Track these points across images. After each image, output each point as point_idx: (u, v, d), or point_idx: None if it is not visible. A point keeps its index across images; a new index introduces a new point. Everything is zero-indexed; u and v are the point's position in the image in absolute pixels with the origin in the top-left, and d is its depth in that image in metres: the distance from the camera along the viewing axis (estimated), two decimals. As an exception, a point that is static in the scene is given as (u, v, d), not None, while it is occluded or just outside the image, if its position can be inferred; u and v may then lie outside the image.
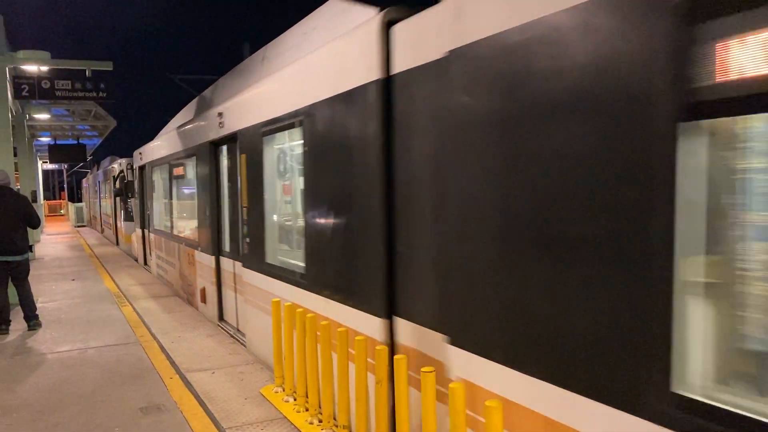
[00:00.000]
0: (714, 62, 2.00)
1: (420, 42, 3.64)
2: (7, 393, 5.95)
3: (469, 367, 3.21)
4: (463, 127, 3.20)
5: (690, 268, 2.18)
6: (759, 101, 1.88)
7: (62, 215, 48.24)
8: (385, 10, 4.07)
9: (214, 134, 8.09)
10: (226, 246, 8.18)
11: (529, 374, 2.79)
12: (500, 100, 2.92)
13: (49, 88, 12.68)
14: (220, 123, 7.81)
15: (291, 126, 5.53)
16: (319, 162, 4.96)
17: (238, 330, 7.89)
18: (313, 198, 5.10)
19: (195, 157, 9.22)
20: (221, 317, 8.62)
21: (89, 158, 32.30)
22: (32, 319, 8.59)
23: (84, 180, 41.02)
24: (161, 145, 12.06)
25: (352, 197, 4.45)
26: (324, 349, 4.64)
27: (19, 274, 8.53)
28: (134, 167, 16.00)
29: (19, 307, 8.69)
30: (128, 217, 18.10)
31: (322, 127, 4.85)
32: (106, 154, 23.16)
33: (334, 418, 4.71)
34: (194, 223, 9.64)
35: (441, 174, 3.44)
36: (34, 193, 17.34)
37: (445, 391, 3.35)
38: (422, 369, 3.31)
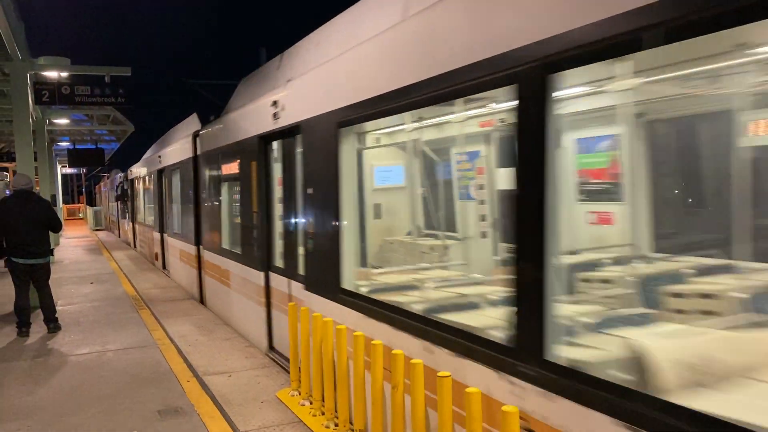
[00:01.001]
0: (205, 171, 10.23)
1: (198, 146, 10.39)
2: (27, 395, 6.03)
3: (204, 255, 10.23)
4: (207, 179, 9.91)
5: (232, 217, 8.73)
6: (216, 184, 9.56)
7: (81, 219, 48.79)
8: (194, 131, 10.63)
9: (158, 167, 14.75)
10: (166, 226, 14.42)
11: (211, 251, 9.76)
12: (207, 172, 9.88)
13: (69, 93, 12.87)
14: (160, 161, 14.48)
15: (177, 169, 12.29)
16: (182, 186, 11.91)
17: (169, 272, 14.15)
18: (179, 202, 12.23)
19: (152, 177, 16.06)
20: (164, 267, 14.89)
21: (107, 163, 32.74)
22: (52, 322, 8.70)
23: (102, 184, 41.48)
24: (138, 167, 19.64)
25: (187, 202, 11.27)
26: (340, 353, 4.66)
27: (41, 277, 8.64)
28: (129, 179, 22.40)
29: (38, 310, 8.82)
30: (125, 216, 24.80)
31: (182, 172, 11.76)
32: (125, 159, 24.46)
33: (351, 423, 4.72)
34: (152, 216, 16.48)
35: (207, 194, 9.93)
36: (54, 197, 17.59)
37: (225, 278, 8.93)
38: (438, 374, 3.32)
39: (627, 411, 2.34)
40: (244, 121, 7.67)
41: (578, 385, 2.57)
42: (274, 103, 6.40)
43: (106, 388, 6.17)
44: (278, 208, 6.79)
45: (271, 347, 7.11)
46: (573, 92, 3.62)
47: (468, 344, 3.32)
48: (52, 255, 8.98)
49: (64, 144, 26.67)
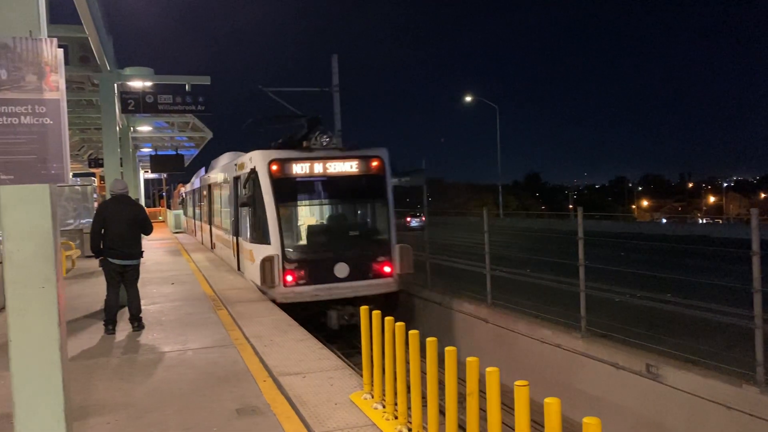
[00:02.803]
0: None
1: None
2: (115, 391, 6.34)
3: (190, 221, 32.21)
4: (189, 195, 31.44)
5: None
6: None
7: (161, 221, 50.94)
8: (202, 175, 26.30)
9: (183, 191, 38.03)
10: (193, 216, 29.72)
11: (196, 220, 28.77)
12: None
13: (152, 102, 13.41)
14: (192, 186, 30.75)
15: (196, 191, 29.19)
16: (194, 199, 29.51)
17: (194, 237, 28.73)
18: (197, 205, 27.93)
19: (191, 194, 30.51)
20: (194, 235, 28.79)
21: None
22: (137, 321, 9.12)
23: (182, 190, 43.41)
24: (187, 188, 34.10)
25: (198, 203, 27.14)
26: (413, 358, 4.66)
27: (131, 278, 9.08)
28: (186, 191, 35.24)
29: (124, 309, 9.25)
30: (186, 214, 36.58)
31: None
32: (203, 165, 27.77)
33: (424, 428, 4.71)
34: (191, 212, 30.90)
35: (201, 199, 24.84)
36: (137, 201, 18.45)
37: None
38: (516, 383, 3.27)
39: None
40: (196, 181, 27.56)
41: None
42: (200, 179, 25.30)
43: (186, 386, 6.40)
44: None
45: None
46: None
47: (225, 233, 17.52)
48: (142, 257, 9.42)
49: (146, 150, 27.97)
